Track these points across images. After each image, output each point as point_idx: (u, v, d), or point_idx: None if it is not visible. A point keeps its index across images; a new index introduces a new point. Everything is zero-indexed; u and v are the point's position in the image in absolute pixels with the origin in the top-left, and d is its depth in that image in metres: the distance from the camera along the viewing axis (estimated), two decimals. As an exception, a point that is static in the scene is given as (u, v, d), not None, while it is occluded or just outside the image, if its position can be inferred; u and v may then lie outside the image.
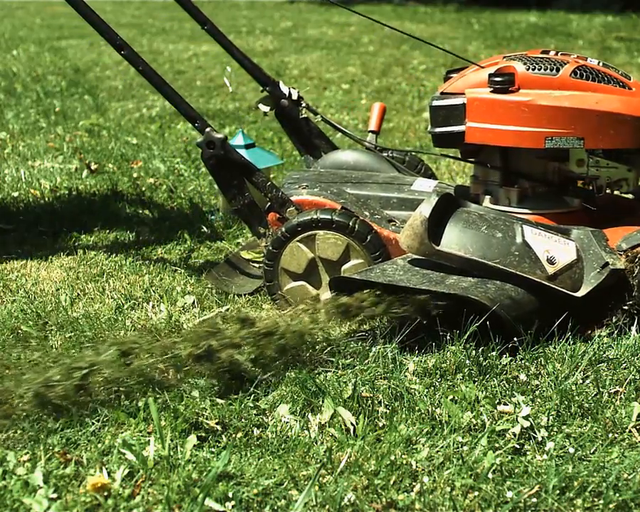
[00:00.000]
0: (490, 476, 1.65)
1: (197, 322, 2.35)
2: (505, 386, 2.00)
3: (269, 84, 2.94)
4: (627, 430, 1.82)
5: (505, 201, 2.49)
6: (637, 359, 2.10)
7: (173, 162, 4.24)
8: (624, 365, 2.08)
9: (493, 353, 2.09)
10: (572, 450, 1.73)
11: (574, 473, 1.64)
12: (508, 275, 2.15)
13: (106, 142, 4.75)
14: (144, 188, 3.81)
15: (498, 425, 1.81)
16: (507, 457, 1.72)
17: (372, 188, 2.58)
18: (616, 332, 2.21)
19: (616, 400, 1.94)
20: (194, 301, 2.53)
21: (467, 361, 2.06)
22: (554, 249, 2.21)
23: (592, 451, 1.75)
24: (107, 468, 1.68)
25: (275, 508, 1.58)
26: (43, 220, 3.35)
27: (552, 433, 1.81)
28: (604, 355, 2.11)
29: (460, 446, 1.75)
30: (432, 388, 1.99)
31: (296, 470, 1.68)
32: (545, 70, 2.40)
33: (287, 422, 1.87)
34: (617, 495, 1.59)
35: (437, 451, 1.73)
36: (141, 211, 3.52)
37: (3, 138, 4.87)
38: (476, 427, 1.83)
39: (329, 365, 2.09)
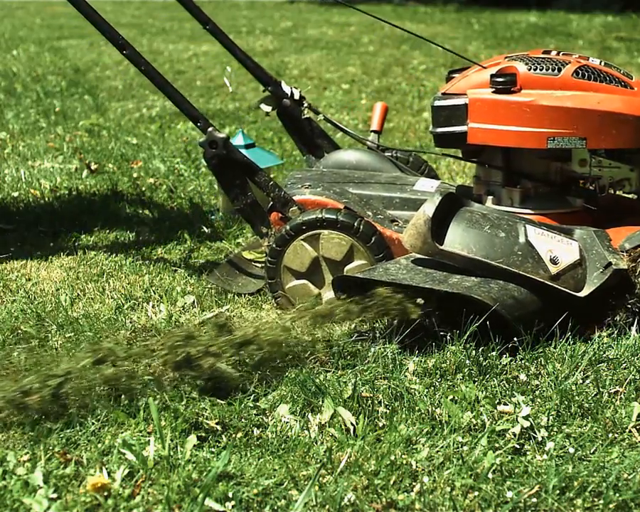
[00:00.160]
0: (490, 476, 1.64)
1: (196, 322, 2.35)
2: (505, 386, 2.00)
3: (271, 84, 2.94)
4: (627, 430, 1.82)
5: (507, 201, 2.49)
6: (637, 359, 2.10)
7: (173, 162, 4.24)
8: (624, 365, 2.08)
9: (493, 353, 2.09)
10: (572, 450, 1.73)
11: (574, 473, 1.64)
12: (511, 275, 2.15)
13: (106, 142, 4.75)
14: (144, 188, 3.81)
15: (498, 425, 1.81)
16: (507, 457, 1.72)
17: (375, 188, 2.58)
18: (616, 332, 2.21)
19: (616, 400, 1.94)
20: (194, 301, 2.53)
21: (467, 361, 2.05)
22: (557, 249, 2.21)
23: (592, 451, 1.75)
24: (107, 468, 1.68)
25: (275, 508, 1.58)
26: (43, 220, 3.35)
27: (552, 433, 1.81)
28: (604, 355, 2.11)
29: (460, 446, 1.75)
30: (432, 388, 1.99)
31: (296, 470, 1.68)
32: (546, 70, 2.40)
33: (287, 422, 1.86)
34: (617, 495, 1.59)
35: (437, 451, 1.73)
36: (141, 211, 3.52)
37: (3, 138, 4.87)
38: (476, 427, 1.83)
39: (329, 365, 2.09)
